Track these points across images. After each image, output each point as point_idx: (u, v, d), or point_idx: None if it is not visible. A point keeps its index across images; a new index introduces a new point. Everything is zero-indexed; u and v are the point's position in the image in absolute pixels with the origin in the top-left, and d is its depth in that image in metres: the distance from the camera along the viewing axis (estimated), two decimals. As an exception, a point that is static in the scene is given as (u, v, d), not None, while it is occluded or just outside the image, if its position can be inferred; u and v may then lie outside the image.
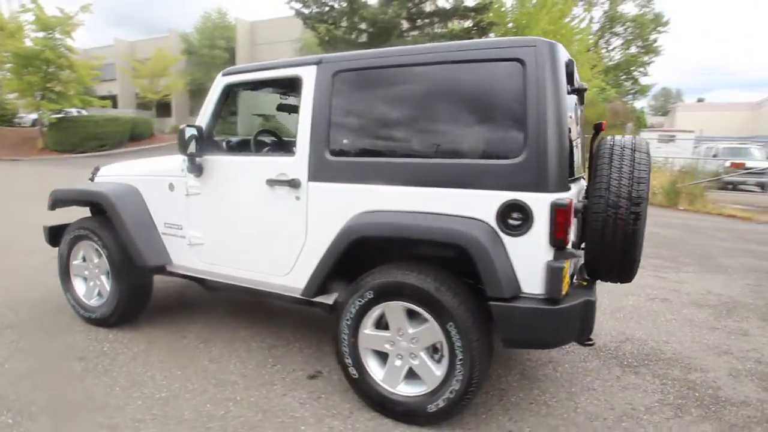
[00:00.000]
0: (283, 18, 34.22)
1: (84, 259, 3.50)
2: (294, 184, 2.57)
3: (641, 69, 40.11)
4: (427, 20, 19.56)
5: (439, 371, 2.28)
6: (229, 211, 2.87)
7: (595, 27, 36.00)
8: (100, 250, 3.30)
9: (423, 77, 2.31)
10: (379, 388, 2.41)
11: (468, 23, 19.58)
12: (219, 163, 2.89)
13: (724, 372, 3.05)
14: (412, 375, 2.39)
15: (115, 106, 32.94)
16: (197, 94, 34.88)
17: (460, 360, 2.18)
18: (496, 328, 2.14)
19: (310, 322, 3.64)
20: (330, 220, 2.49)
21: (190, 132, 2.76)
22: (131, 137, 25.10)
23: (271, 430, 2.30)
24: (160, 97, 30.35)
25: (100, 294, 3.45)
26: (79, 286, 3.53)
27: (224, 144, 3.16)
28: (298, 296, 2.71)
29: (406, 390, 2.37)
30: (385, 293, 2.31)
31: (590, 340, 2.23)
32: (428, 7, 19.77)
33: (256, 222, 2.77)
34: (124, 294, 3.27)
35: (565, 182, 2.10)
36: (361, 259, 2.43)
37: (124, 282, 3.24)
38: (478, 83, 2.20)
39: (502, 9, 21.77)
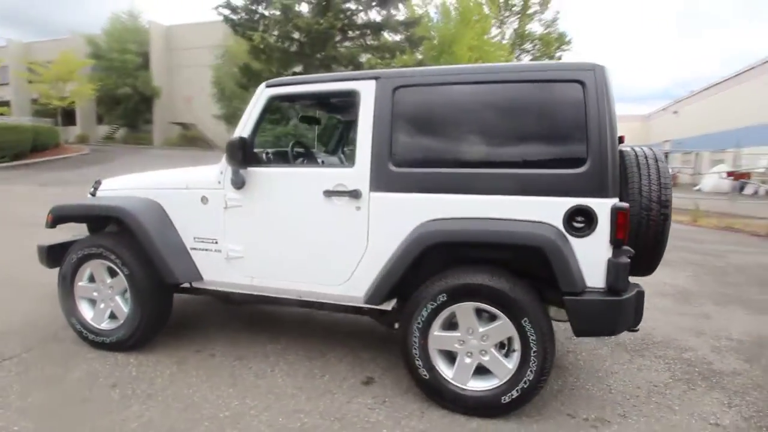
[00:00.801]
0: (202, 23, 32.93)
1: (91, 280, 3.25)
2: (355, 194, 2.64)
3: (548, 84, 43.60)
4: (358, 32, 19.93)
5: (510, 364, 2.47)
6: (277, 223, 2.85)
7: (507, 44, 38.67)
8: (117, 268, 3.09)
9: (487, 94, 2.52)
10: (451, 386, 2.55)
11: (399, 37, 20.21)
12: (266, 174, 2.87)
13: (708, 349, 3.56)
14: (479, 371, 2.55)
15: (7, 112, 29.53)
16: (106, 101, 32.38)
17: (535, 352, 2.39)
18: (570, 320, 2.38)
19: (334, 331, 3.68)
20: (394, 229, 2.60)
21: (241, 144, 2.72)
22: (33, 148, 22.64)
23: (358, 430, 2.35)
24: (66, 103, 27.73)
25: (113, 316, 3.22)
26: (86, 310, 3.27)
27: (264, 156, 3.13)
28: (357, 304, 2.78)
29: (476, 385, 2.53)
30: (458, 295, 2.46)
31: (637, 326, 2.55)
32: (359, 20, 20.13)
33: (310, 233, 2.79)
34: (146, 314, 3.09)
35: (618, 188, 2.40)
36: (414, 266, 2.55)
37: (146, 302, 3.07)
38: (541, 101, 2.45)
39: (429, 24, 22.76)
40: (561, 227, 2.37)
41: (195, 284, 3.11)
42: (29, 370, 2.92)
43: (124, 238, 3.11)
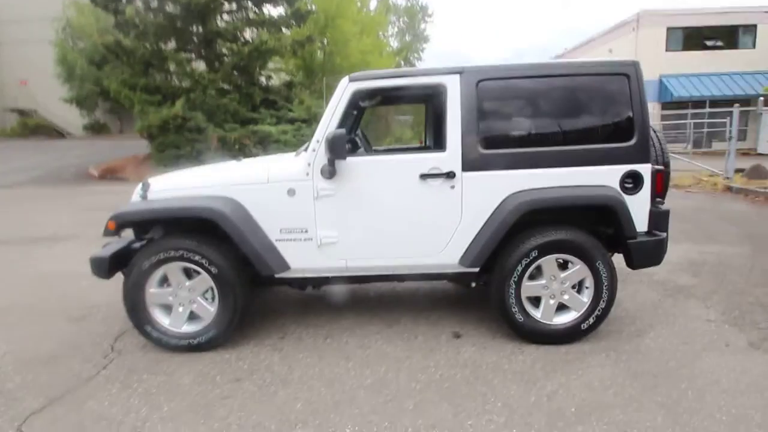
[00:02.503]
0: (34, -10, 28.05)
1: (165, 284, 3.17)
2: (450, 175, 3.03)
3: (416, 55, 45.69)
4: (235, 5, 18.85)
5: (585, 298, 3.14)
6: (374, 207, 3.10)
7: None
8: (202, 269, 3.07)
9: (554, 85, 3.06)
10: (540, 324, 3.15)
11: (281, 10, 19.61)
12: (362, 163, 3.09)
13: (665, 272, 4.66)
14: (559, 308, 3.19)
15: None
16: None
17: (606, 286, 3.09)
18: (630, 258, 3.12)
19: (389, 301, 4.04)
20: (484, 202, 3.07)
21: (344, 138, 2.89)
22: None
23: (488, 371, 2.84)
24: None
25: (194, 317, 3.20)
26: (161, 316, 3.18)
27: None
28: (452, 270, 3.22)
29: (559, 320, 3.17)
30: (546, 250, 3.04)
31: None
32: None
33: (407, 212, 3.10)
34: (238, 310, 3.15)
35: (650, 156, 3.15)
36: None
37: (237, 298, 3.12)
38: (597, 90, 3.07)
39: (310, -3, 22.32)
40: (618, 188, 3.06)
41: (283, 274, 3.23)
42: (130, 388, 2.82)
43: (206, 238, 3.09)
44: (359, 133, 3.71)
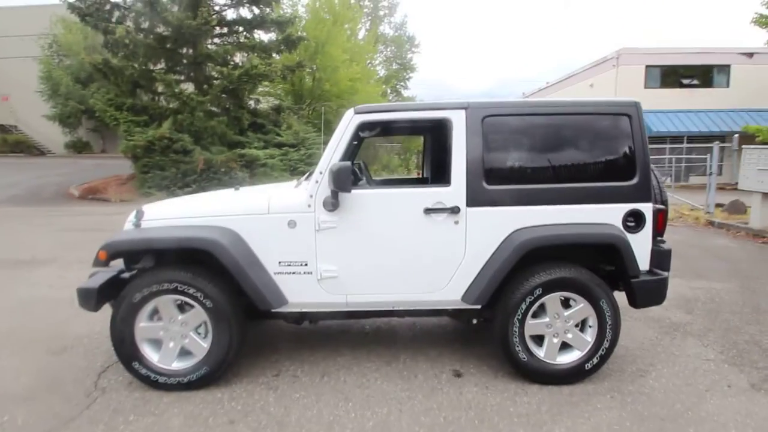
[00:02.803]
0: (20, 7, 27.96)
1: (155, 318, 3.03)
2: (454, 210, 3.00)
3: (402, 83, 46.49)
4: (226, 29, 19.00)
5: (589, 337, 3.10)
6: (376, 240, 3.04)
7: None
8: (196, 302, 2.95)
9: (560, 123, 3.08)
10: (544, 364, 3.09)
11: (273, 36, 19.81)
12: (366, 196, 3.03)
13: (659, 309, 4.67)
14: (561, 347, 3.13)
15: None
16: None
17: (610, 325, 3.05)
18: (634, 297, 3.10)
19: (387, 337, 3.94)
20: (488, 238, 3.04)
21: (350, 170, 2.85)
22: None
23: (493, 413, 2.74)
24: None
25: (185, 353, 3.05)
26: (150, 352, 3.03)
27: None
28: (452, 307, 3.16)
29: (563, 359, 3.11)
30: (551, 288, 3.01)
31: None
32: (228, 17, 19.21)
33: (409, 247, 3.05)
34: (233, 345, 3.02)
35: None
36: None
37: (233, 333, 3.00)
38: (600, 129, 3.09)
39: (300, 23, 22.66)
40: (621, 227, 3.06)
41: (279, 309, 3.12)
42: (115, 430, 2.65)
43: (201, 270, 2.98)
44: (360, 163, 3.67)
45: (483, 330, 3.37)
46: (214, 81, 18.20)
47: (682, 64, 23.34)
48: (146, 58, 17.22)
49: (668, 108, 22.60)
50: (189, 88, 18.19)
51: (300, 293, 3.10)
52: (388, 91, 45.16)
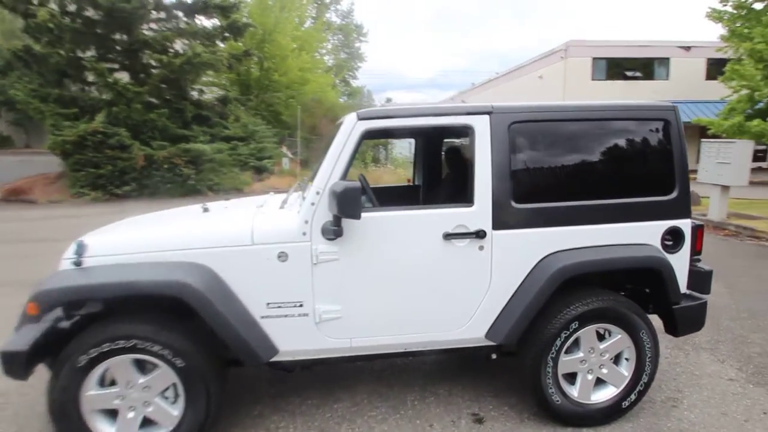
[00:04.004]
0: None
1: (108, 384, 2.37)
2: (479, 234, 2.53)
3: (350, 73, 45.59)
4: (165, 14, 17.53)
5: (626, 372, 2.75)
6: (387, 273, 2.52)
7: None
8: (160, 361, 2.32)
9: (593, 130, 2.67)
10: (577, 403, 2.71)
11: (214, 21, 18.51)
12: (373, 220, 2.49)
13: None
14: (596, 383, 2.77)
15: None
16: None
17: (649, 358, 2.72)
18: (673, 326, 2.77)
19: (391, 377, 3.44)
20: (517, 265, 2.60)
21: (360, 191, 2.29)
22: None
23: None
24: None
25: (150, 424, 2.42)
26: (102, 425, 2.37)
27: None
28: (473, 345, 2.70)
29: (598, 397, 2.75)
30: (587, 320, 2.62)
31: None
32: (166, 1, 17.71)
33: (426, 279, 2.56)
34: (212, 408, 2.42)
35: None
36: None
37: (211, 393, 2.40)
38: (637, 136, 2.72)
39: (246, 10, 21.40)
40: (660, 246, 2.72)
41: (270, 359, 2.54)
42: None
43: (169, 319, 2.35)
44: (360, 177, 3.12)
45: (497, 360, 2.92)
46: (153, 70, 16.77)
47: (627, 57, 24.13)
48: (74, 44, 15.56)
49: (614, 100, 23.32)
50: (124, 77, 16.66)
51: (294, 340, 2.54)
52: (337, 81, 44.18)
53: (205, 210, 2.97)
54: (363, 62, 46.10)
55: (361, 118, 2.50)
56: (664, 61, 24.22)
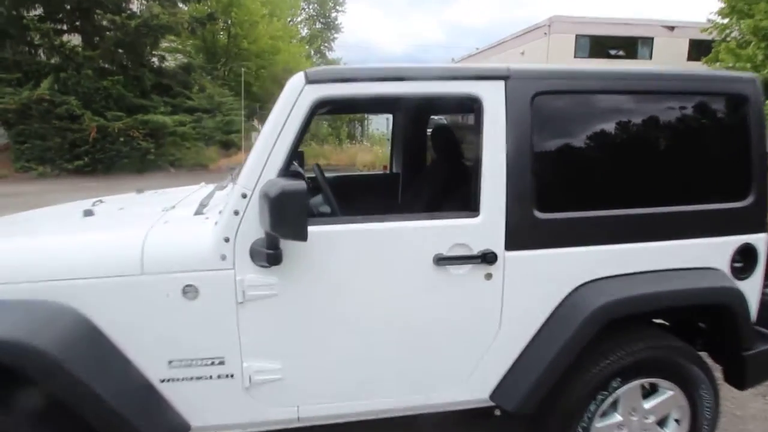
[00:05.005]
0: None
1: None
2: (486, 258, 1.73)
3: (326, 44, 43.83)
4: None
5: (676, 439, 2.04)
6: (350, 315, 1.71)
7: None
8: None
9: (651, 106, 1.88)
10: (612, 483, 1.98)
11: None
12: (324, 237, 1.65)
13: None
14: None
15: None
16: None
17: (708, 421, 2.01)
18: (740, 375, 2.05)
19: None
20: (538, 299, 1.82)
21: (305, 194, 1.45)
22: None
23: None
24: None
25: None
26: None
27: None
28: (475, 407, 1.92)
29: (637, 473, 2.03)
30: (632, 375, 1.88)
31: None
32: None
33: (409, 320, 1.75)
34: None
35: None
36: None
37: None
38: (706, 116, 1.94)
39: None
40: (728, 272, 1.98)
41: (175, 439, 1.72)
42: None
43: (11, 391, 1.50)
44: (316, 169, 2.23)
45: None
46: (107, 33, 15.21)
47: (611, 35, 23.51)
48: (15, 1, 13.89)
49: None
50: (76, 40, 15.10)
51: (213, 412, 1.72)
52: (312, 52, 42.47)
53: (88, 214, 2.04)
54: (339, 33, 44.30)
55: (311, 81, 1.63)
56: (648, 41, 23.72)
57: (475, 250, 1.73)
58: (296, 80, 1.63)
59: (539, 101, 1.75)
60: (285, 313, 1.67)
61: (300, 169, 2.33)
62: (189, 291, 1.61)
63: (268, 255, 1.55)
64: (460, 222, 1.74)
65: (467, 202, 1.78)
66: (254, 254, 1.61)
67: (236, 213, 1.61)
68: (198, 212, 1.92)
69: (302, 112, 1.62)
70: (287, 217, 1.44)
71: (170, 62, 18.21)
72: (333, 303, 1.69)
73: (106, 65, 15.05)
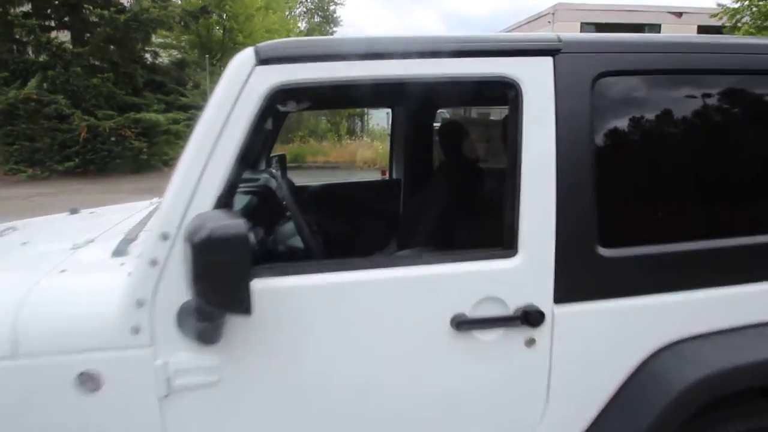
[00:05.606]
0: None
1: None
2: (528, 318, 1.17)
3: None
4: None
5: None
6: (332, 407, 1.17)
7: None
8: None
9: (757, 93, 1.31)
10: None
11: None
12: (288, 295, 1.10)
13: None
14: None
15: None
16: None
17: None
18: None
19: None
20: (601, 371, 1.27)
21: (241, 242, 0.91)
22: None
23: None
24: None
25: None
26: None
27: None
28: None
29: None
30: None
31: None
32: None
33: (416, 413, 1.21)
34: None
35: None
36: None
37: None
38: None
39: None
40: None
41: None
42: None
43: None
44: (280, 188, 1.64)
45: None
46: (97, 29, 14.65)
47: (616, 22, 22.78)
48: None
49: None
50: (65, 37, 14.57)
51: None
52: (312, 46, 41.72)
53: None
54: (338, 27, 43.54)
55: (264, 60, 1.07)
56: (655, 27, 22.95)
57: (512, 307, 1.18)
58: (242, 59, 1.08)
59: (605, 85, 1.19)
60: (233, 410, 1.12)
61: (276, 177, 1.78)
62: (86, 380, 1.07)
63: (201, 331, 1.00)
64: (488, 266, 1.18)
65: (497, 235, 1.22)
66: (183, 324, 1.06)
67: (154, 263, 1.06)
68: (118, 252, 1.36)
69: (251, 106, 1.06)
70: (217, 277, 0.89)
71: (164, 58, 17.68)
72: (303, 393, 1.15)
73: (96, 62, 14.53)
